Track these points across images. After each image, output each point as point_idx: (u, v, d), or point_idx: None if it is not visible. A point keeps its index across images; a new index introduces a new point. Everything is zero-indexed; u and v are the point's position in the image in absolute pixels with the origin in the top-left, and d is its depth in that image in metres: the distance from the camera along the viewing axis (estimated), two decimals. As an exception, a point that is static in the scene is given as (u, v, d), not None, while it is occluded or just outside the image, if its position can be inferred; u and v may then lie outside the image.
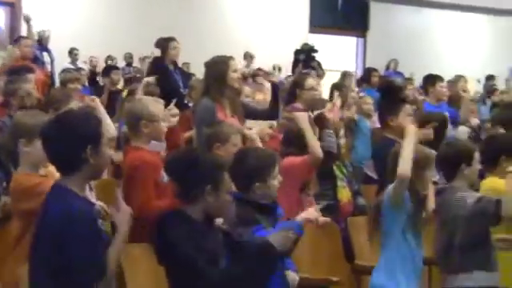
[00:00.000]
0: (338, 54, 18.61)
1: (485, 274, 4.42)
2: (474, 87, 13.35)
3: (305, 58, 14.30)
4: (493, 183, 4.77)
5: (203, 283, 3.36)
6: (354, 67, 17.76)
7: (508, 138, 5.13)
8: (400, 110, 5.98)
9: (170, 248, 3.41)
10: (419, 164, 4.22)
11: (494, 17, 16.91)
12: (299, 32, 17.61)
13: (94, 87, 12.88)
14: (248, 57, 15.39)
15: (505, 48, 18.27)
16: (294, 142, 5.44)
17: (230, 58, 6.12)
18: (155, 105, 4.76)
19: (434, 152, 4.49)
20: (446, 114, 7.38)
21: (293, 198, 5.13)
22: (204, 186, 3.46)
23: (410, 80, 13.18)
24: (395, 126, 5.82)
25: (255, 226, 3.80)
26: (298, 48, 14.50)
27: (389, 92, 7.96)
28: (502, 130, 6.09)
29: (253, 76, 10.92)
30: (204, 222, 3.52)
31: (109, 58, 15.08)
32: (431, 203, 4.40)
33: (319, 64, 14.38)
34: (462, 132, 7.48)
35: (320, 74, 13.69)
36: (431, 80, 8.55)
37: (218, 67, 5.90)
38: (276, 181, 4.05)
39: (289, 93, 7.64)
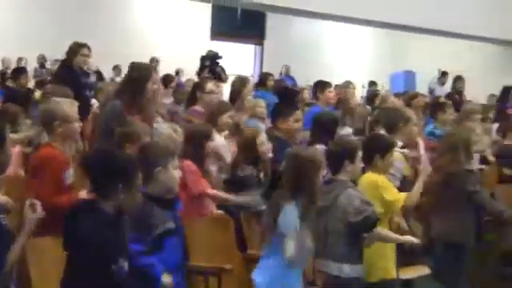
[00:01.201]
0: (238, 60, 18.69)
1: (349, 267, 4.55)
2: (359, 92, 13.66)
3: (210, 64, 14.35)
4: (369, 178, 4.94)
5: (107, 273, 3.39)
6: (251, 72, 17.89)
7: (382, 139, 5.27)
8: (292, 114, 6.05)
9: (80, 237, 3.39)
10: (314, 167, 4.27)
11: (376, 29, 17.30)
12: (201, 39, 17.63)
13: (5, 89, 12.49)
14: (154, 61, 15.26)
15: (385, 57, 18.77)
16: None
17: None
18: (70, 106, 4.71)
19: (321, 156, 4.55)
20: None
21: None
22: (117, 183, 3.45)
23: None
24: (285, 128, 5.90)
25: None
26: (203, 54, 14.54)
27: (285, 96, 8.09)
28: (382, 131, 6.27)
29: None
30: (115, 215, 3.51)
31: (20, 59, 14.70)
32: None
33: (223, 69, 14.44)
34: (347, 132, 7.61)
35: (224, 79, 13.76)
36: (320, 86, 8.64)
37: (140, 74, 5.73)
38: (177, 172, 4.06)
39: (190, 96, 7.65)
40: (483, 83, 15.27)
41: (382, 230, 4.65)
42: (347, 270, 4.53)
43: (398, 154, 5.47)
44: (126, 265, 3.52)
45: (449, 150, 6.02)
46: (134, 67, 5.82)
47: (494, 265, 7.60)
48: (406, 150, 5.77)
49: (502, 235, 7.39)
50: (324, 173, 4.64)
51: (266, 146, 5.65)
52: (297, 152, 4.54)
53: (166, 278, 3.95)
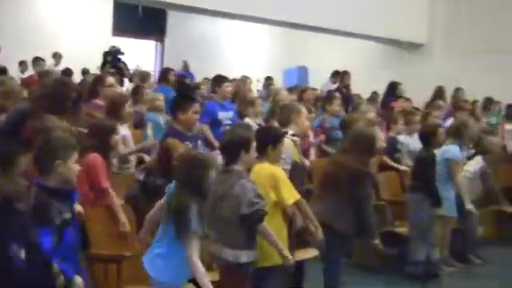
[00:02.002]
0: (140, 56, 18.52)
1: (245, 253, 4.61)
2: (256, 86, 13.80)
3: (112, 59, 14.19)
4: (268, 169, 4.98)
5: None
6: (153, 68, 17.76)
7: (273, 131, 5.34)
8: (191, 106, 6.04)
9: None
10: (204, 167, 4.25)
11: (271, 27, 17.46)
12: (103, 35, 17.35)
13: None
14: (57, 56, 14.91)
15: (280, 53, 18.99)
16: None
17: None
18: None
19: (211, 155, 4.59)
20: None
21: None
22: None
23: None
24: (183, 120, 5.90)
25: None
26: (106, 50, 14.37)
27: (182, 90, 8.09)
28: (275, 123, 6.35)
29: None
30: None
31: None
32: None
33: (125, 64, 14.30)
34: (251, 124, 7.64)
35: (126, 74, 13.65)
36: (218, 80, 8.66)
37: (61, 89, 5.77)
38: (76, 166, 4.02)
39: (90, 89, 7.55)
40: (367, 79, 15.65)
41: (266, 227, 4.63)
42: (243, 256, 4.58)
43: (288, 140, 5.56)
44: (21, 252, 3.44)
45: (353, 149, 6.16)
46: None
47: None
48: (296, 138, 5.86)
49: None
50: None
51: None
52: (190, 157, 4.58)
53: (77, 280, 3.90)
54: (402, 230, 7.75)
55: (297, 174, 5.63)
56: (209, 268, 4.97)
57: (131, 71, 14.89)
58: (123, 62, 14.48)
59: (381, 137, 8.26)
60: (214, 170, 4.27)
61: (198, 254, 4.09)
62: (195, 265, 4.05)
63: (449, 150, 7.66)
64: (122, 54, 14.60)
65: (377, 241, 6.11)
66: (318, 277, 6.25)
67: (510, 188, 9.57)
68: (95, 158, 5.19)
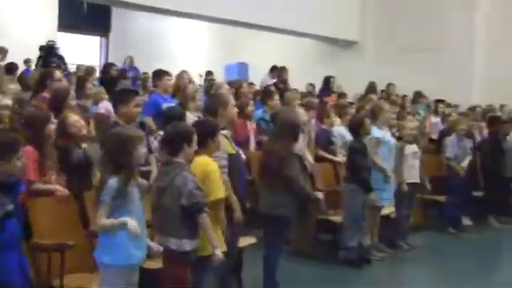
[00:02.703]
0: (84, 51, 18.25)
1: (186, 242, 4.57)
2: (197, 81, 13.72)
3: (45, 54, 13.93)
4: (205, 161, 4.92)
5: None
6: (98, 63, 17.50)
7: (210, 123, 5.30)
8: (131, 100, 5.95)
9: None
10: (132, 143, 4.20)
11: (212, 24, 17.41)
12: (49, 30, 16.98)
13: None
14: (3, 51, 14.52)
15: (221, 49, 18.97)
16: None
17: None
18: None
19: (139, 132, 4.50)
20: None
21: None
22: None
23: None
24: (124, 113, 5.81)
25: None
26: (41, 45, 14.09)
27: (113, 84, 7.97)
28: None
29: None
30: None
31: None
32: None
33: (61, 58, 14.02)
34: (189, 117, 7.59)
35: (63, 68, 13.39)
36: (159, 74, 8.56)
37: None
38: (20, 162, 3.94)
39: (38, 83, 7.44)
40: (305, 74, 15.77)
41: (206, 220, 4.57)
42: (185, 244, 4.54)
43: (221, 135, 5.52)
44: None
45: (279, 135, 6.21)
46: None
47: (312, 231, 7.97)
48: (227, 131, 5.82)
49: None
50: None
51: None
52: (116, 130, 4.48)
53: None
54: (336, 218, 7.82)
55: (234, 166, 5.62)
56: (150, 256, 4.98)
57: (72, 66, 14.68)
58: (60, 56, 14.19)
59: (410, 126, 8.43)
60: (140, 146, 4.22)
61: (103, 219, 4.06)
62: (98, 225, 4.10)
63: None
64: (57, 48, 14.32)
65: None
66: (257, 264, 6.27)
67: (435, 177, 9.78)
68: (26, 150, 5.05)
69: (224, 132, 5.62)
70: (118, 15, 18.68)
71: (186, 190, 4.47)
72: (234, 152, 5.69)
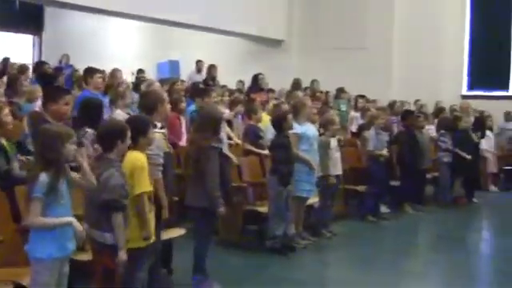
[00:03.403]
0: (17, 50, 17.77)
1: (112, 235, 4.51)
2: (129, 78, 13.57)
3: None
4: (135, 156, 4.85)
5: None
6: (31, 61, 17.04)
7: (143, 120, 5.27)
8: (62, 97, 5.85)
9: None
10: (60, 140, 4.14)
11: (143, 23, 17.21)
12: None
13: None
14: None
15: (153, 47, 18.81)
16: None
17: None
18: None
19: (67, 129, 4.42)
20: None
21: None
22: None
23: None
24: (54, 111, 5.72)
25: None
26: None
27: (49, 82, 7.85)
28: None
29: None
30: None
31: None
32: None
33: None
34: (120, 114, 7.51)
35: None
36: (89, 72, 8.43)
37: None
38: None
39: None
40: (234, 72, 15.82)
41: (118, 220, 4.47)
42: (109, 237, 4.50)
43: (158, 134, 5.50)
44: None
45: (199, 128, 6.24)
46: None
47: (240, 222, 8.02)
48: (164, 130, 5.80)
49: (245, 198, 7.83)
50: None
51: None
52: (45, 127, 4.40)
53: None
54: (262, 208, 7.89)
55: (168, 164, 5.61)
56: (82, 248, 4.94)
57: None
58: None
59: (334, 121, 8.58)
60: (69, 142, 4.16)
61: (39, 217, 4.01)
62: (29, 223, 4.05)
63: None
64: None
65: (221, 209, 6.06)
66: (187, 254, 6.29)
67: (355, 168, 9.98)
68: None
69: (162, 130, 5.60)
70: (51, 14, 18.26)
71: (109, 186, 4.44)
72: (168, 150, 5.68)
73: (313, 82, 14.45)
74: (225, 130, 8.00)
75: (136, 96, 8.71)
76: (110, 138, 4.62)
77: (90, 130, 5.85)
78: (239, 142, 9.12)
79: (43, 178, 4.01)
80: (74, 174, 4.43)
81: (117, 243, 4.50)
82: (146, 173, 4.83)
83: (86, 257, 4.87)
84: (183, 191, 6.43)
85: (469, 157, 11.44)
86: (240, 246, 7.82)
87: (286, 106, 9.28)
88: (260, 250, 7.65)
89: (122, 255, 4.52)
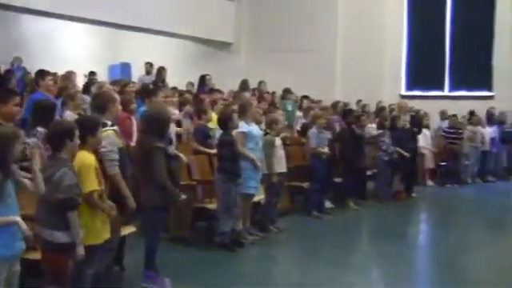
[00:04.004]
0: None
1: (61, 233, 4.49)
2: (82, 80, 13.39)
3: None
4: (83, 156, 4.82)
5: None
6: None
7: (91, 120, 5.22)
8: (12, 99, 5.75)
9: None
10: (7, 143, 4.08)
11: (90, 26, 16.95)
12: None
13: None
14: None
15: (104, 51, 18.57)
16: None
17: None
18: None
19: (15, 130, 4.37)
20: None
21: None
22: None
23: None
24: (4, 112, 5.61)
25: None
26: None
27: (0, 84, 7.69)
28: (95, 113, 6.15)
29: None
30: None
31: None
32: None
33: None
34: (69, 115, 7.41)
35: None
36: (41, 74, 8.30)
37: None
38: None
39: None
40: (184, 73, 15.77)
41: (74, 217, 4.47)
42: (59, 236, 4.46)
43: (111, 131, 5.46)
44: None
45: (146, 129, 6.21)
46: None
47: (189, 219, 8.01)
48: (116, 127, 5.75)
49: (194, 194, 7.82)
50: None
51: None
52: None
53: None
54: (211, 205, 7.91)
55: (124, 159, 5.57)
56: (33, 248, 4.87)
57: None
58: None
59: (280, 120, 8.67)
60: (17, 143, 4.12)
61: None
62: None
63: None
64: None
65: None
66: (138, 251, 6.27)
67: (300, 166, 10.07)
68: None
69: (114, 127, 5.56)
70: (2, 17, 17.79)
71: (64, 185, 4.40)
72: (122, 146, 5.64)
73: (260, 83, 14.51)
74: (174, 130, 7.97)
75: (88, 98, 8.61)
76: (58, 137, 4.58)
77: (41, 129, 5.78)
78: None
79: None
80: (24, 174, 4.39)
81: (74, 240, 4.47)
82: (92, 171, 4.78)
83: (36, 256, 4.80)
84: (134, 189, 6.38)
85: (407, 154, 11.68)
86: (190, 242, 7.81)
87: (234, 107, 9.29)
88: (209, 246, 7.67)
89: (80, 251, 4.50)
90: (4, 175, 4.02)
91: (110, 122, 5.56)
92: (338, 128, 11.14)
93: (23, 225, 4.07)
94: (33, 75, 10.67)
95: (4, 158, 4.04)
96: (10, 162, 4.08)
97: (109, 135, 5.37)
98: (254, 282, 6.64)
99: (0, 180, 3.99)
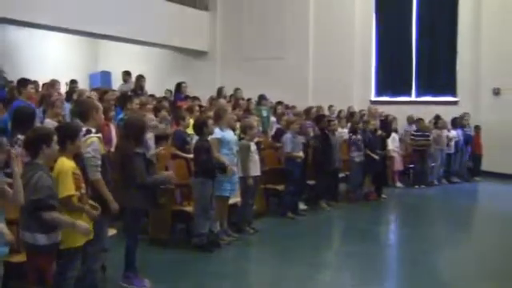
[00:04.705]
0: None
1: (43, 236, 4.47)
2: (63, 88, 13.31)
3: None
4: (61, 162, 4.78)
5: None
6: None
7: (71, 127, 5.18)
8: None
9: None
10: None
11: (71, 36, 16.83)
12: None
13: None
14: None
15: (85, 60, 18.49)
16: None
17: None
18: None
19: None
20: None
21: None
22: None
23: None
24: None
25: None
26: None
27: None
28: (78, 120, 6.10)
29: None
30: None
31: None
32: None
33: None
34: (49, 123, 7.35)
35: None
36: (23, 82, 8.27)
37: None
38: None
39: None
40: (161, 81, 15.78)
41: (54, 215, 4.45)
42: (40, 238, 4.44)
43: (95, 138, 5.44)
44: None
45: (124, 136, 6.22)
46: None
47: (168, 221, 8.00)
48: (100, 135, 5.72)
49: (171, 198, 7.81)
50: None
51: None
52: None
53: None
54: (189, 208, 7.92)
55: (105, 165, 5.56)
56: (16, 251, 4.85)
57: None
58: None
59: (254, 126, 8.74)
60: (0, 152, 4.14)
61: None
62: None
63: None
64: None
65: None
66: (118, 252, 6.27)
67: (274, 169, 10.11)
68: None
69: (98, 135, 5.53)
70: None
71: (37, 187, 4.38)
72: (104, 152, 5.63)
73: (236, 90, 14.52)
74: (151, 136, 7.95)
75: (68, 106, 8.56)
76: (34, 143, 4.55)
77: (22, 137, 5.73)
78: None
79: None
80: (6, 180, 4.36)
81: (56, 242, 4.49)
82: (70, 177, 4.73)
83: (20, 258, 4.79)
84: (114, 193, 6.36)
85: (377, 157, 11.78)
86: (169, 244, 7.82)
87: (210, 113, 9.30)
88: (187, 247, 7.67)
89: (80, 224, 4.54)
90: None
91: (94, 130, 5.54)
92: (311, 133, 11.19)
93: (5, 229, 4.04)
94: (14, 84, 10.62)
95: None
96: None
97: (93, 141, 5.37)
98: (231, 281, 6.67)
99: None
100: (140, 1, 15.50)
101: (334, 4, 17.40)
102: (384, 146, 12.51)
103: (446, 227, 10.34)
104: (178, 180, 8.20)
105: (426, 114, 15.27)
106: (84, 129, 5.35)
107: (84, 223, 4.68)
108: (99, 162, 5.38)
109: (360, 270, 7.29)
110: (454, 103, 16.59)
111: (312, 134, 11.09)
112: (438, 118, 15.16)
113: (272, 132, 12.05)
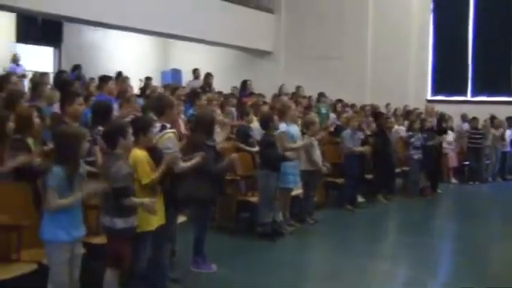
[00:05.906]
0: (40, 60, 17.60)
1: (120, 220, 4.49)
2: (137, 85, 13.54)
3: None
4: (135, 153, 4.76)
5: None
6: (51, 70, 16.91)
7: (143, 120, 5.16)
8: (75, 100, 5.81)
9: None
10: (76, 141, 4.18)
11: (143, 36, 17.06)
12: (8, 42, 16.31)
13: None
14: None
15: (159, 58, 18.73)
16: None
17: None
18: None
19: (82, 130, 4.45)
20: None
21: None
22: None
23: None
24: (71, 112, 5.68)
25: None
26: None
27: (64, 87, 7.79)
28: (152, 115, 6.13)
29: None
30: None
31: None
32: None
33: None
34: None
35: (25, 75, 13.04)
36: (104, 79, 8.41)
37: None
38: None
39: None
40: (228, 79, 15.81)
41: (133, 200, 4.51)
42: (118, 222, 4.47)
43: (171, 133, 5.39)
44: None
45: (195, 129, 6.22)
46: None
47: (234, 211, 7.99)
48: (174, 130, 5.71)
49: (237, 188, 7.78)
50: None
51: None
52: (63, 128, 4.46)
53: None
54: (253, 198, 7.88)
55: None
56: (95, 233, 4.93)
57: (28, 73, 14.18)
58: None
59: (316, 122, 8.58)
60: (83, 141, 4.22)
61: (55, 204, 4.02)
62: (48, 205, 4.05)
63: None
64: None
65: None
66: (188, 239, 6.27)
67: (334, 163, 9.96)
68: None
69: (173, 130, 5.52)
70: (68, 28, 18.12)
71: (120, 175, 4.42)
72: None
73: (297, 88, 14.42)
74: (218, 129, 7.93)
75: (140, 101, 8.65)
76: (112, 135, 4.59)
77: (102, 128, 5.80)
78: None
79: (57, 170, 4.03)
80: (88, 168, 4.44)
81: (132, 226, 4.53)
82: (146, 164, 4.75)
83: (99, 240, 4.87)
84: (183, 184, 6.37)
85: (434, 153, 11.47)
86: (234, 232, 7.80)
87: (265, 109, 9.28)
88: (252, 235, 7.62)
89: (147, 202, 4.53)
90: (74, 169, 4.10)
91: (168, 125, 5.49)
92: (366, 129, 10.99)
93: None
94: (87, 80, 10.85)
95: (72, 154, 4.12)
96: (77, 158, 4.16)
97: (171, 137, 5.34)
98: (291, 269, 6.59)
99: (70, 174, 4.07)
100: (205, 3, 15.48)
101: (392, 4, 17.04)
102: (440, 144, 12.17)
103: (499, 222, 9.98)
104: (242, 171, 8.25)
105: (481, 114, 14.79)
106: (158, 124, 5.32)
107: (149, 201, 4.63)
108: (180, 155, 5.39)
109: (416, 261, 7.10)
110: (510, 103, 15.99)
111: (368, 132, 10.92)
112: (493, 117, 14.68)
113: (331, 128, 11.89)
